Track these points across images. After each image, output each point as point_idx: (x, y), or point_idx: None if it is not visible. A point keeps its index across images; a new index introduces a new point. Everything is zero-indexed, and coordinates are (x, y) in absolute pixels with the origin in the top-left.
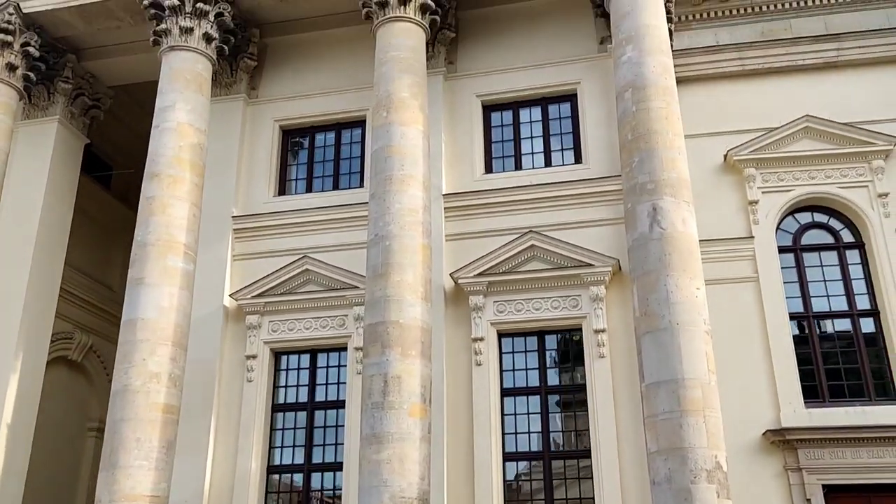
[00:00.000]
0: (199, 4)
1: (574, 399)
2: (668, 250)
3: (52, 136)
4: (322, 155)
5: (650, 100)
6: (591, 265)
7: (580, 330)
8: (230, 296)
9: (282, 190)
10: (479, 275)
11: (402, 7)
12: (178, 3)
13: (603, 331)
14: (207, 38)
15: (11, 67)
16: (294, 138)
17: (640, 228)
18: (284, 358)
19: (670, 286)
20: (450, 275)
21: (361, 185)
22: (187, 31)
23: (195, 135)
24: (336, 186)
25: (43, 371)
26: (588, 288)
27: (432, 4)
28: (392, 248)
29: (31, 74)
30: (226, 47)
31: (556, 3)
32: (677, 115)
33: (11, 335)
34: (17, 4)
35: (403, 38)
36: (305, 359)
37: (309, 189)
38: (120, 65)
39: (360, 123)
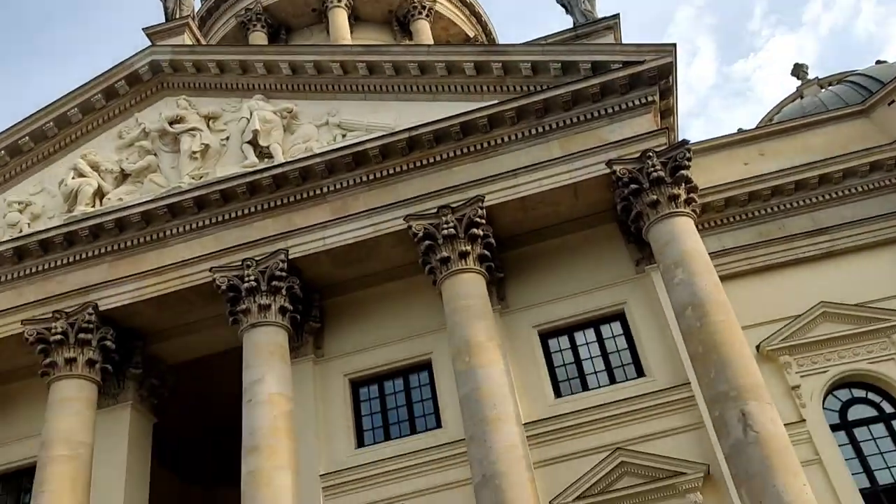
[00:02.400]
0: (275, 283)
1: None
2: (766, 453)
3: (127, 421)
4: (394, 402)
5: (711, 315)
6: (683, 473)
7: None
8: None
9: (360, 441)
10: (578, 498)
11: (463, 260)
12: (255, 284)
13: None
14: (283, 311)
15: (91, 363)
16: (362, 389)
17: (733, 434)
18: None
19: (779, 486)
20: (549, 502)
21: (439, 426)
22: (265, 307)
23: (285, 403)
24: (413, 430)
25: None
26: (684, 496)
27: (488, 253)
28: (502, 487)
29: (109, 366)
30: (298, 316)
31: (590, 235)
32: (738, 325)
33: None
34: (96, 303)
35: (469, 287)
36: None
37: (387, 437)
38: (181, 344)
39: (426, 366)
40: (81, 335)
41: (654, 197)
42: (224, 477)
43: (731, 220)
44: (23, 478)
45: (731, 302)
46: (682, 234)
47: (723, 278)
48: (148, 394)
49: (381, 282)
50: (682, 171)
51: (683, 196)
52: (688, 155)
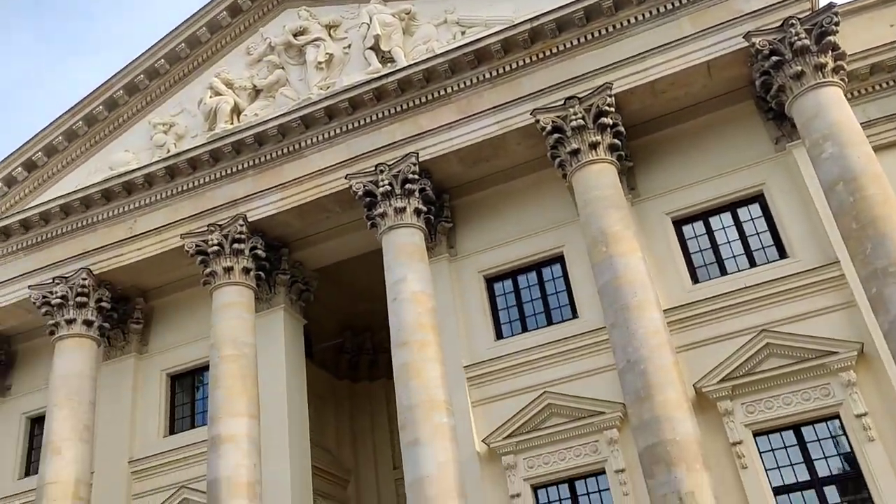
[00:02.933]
0: (408, 185)
1: (851, 487)
2: None
3: (281, 323)
4: (528, 295)
5: (865, 188)
6: (834, 353)
7: (838, 417)
8: (483, 441)
9: (499, 334)
10: (722, 381)
11: (593, 151)
12: (389, 188)
13: (865, 414)
14: (417, 213)
15: (246, 271)
16: (496, 284)
17: (893, 311)
18: (543, 492)
19: None
20: (693, 385)
21: (575, 316)
22: (401, 210)
23: (428, 300)
24: (549, 322)
25: None
26: (837, 375)
27: (618, 142)
28: (647, 370)
29: (261, 273)
30: (431, 217)
31: (724, 116)
32: (895, 198)
33: None
34: (245, 215)
35: (601, 177)
36: (564, 489)
37: (524, 329)
38: (322, 250)
39: (559, 259)
40: (235, 245)
41: (798, 68)
42: (367, 372)
43: (877, 87)
44: (195, 376)
45: None
46: (830, 105)
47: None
48: (296, 297)
49: (509, 178)
50: (829, 38)
51: (831, 65)
52: (835, 19)
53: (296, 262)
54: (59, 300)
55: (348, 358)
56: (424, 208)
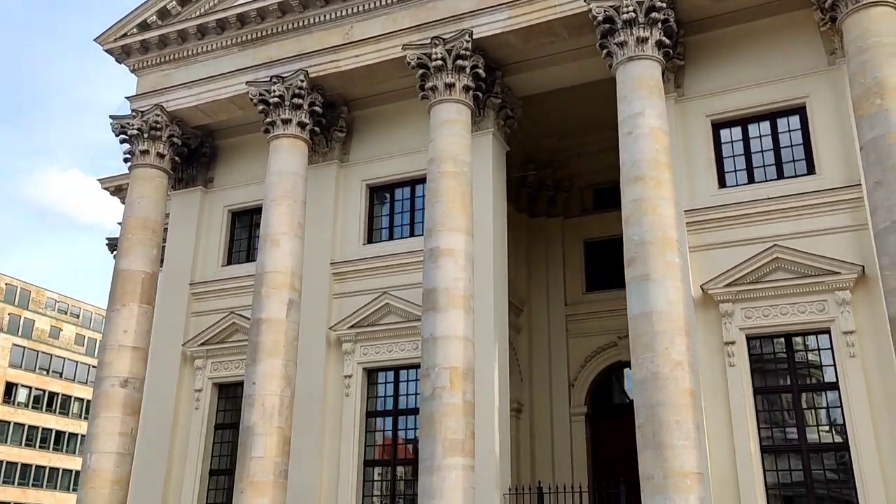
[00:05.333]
0: (653, 14)
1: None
2: None
3: (489, 147)
4: (759, 145)
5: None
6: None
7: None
8: (700, 286)
9: (722, 183)
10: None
11: None
12: (633, 16)
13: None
14: (659, 45)
15: (466, 89)
16: (724, 130)
17: None
18: (756, 342)
19: None
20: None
21: (811, 173)
22: (642, 40)
23: (664, 137)
24: (780, 175)
25: (507, 363)
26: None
27: None
28: None
29: (479, 94)
30: (671, 51)
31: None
32: None
33: (489, 332)
34: (471, 31)
35: (882, 22)
36: (780, 343)
37: (751, 180)
38: (532, 77)
39: (798, 111)
40: (458, 62)
41: None
42: (545, 208)
43: None
44: (393, 190)
45: None
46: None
47: None
48: (503, 123)
49: (753, 17)
50: None
51: None
52: None
53: (505, 87)
54: (276, 99)
55: (529, 192)
56: (666, 41)
